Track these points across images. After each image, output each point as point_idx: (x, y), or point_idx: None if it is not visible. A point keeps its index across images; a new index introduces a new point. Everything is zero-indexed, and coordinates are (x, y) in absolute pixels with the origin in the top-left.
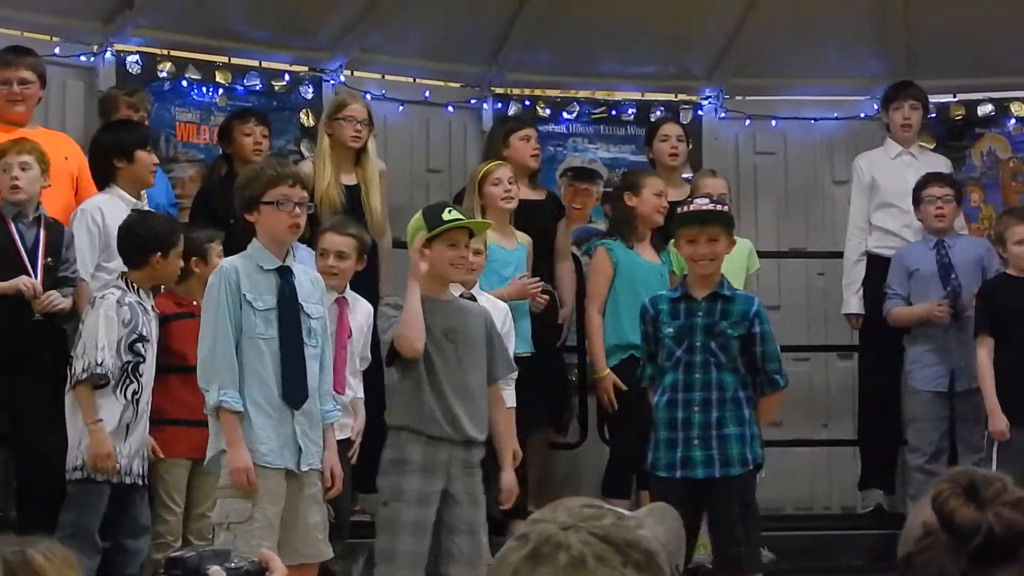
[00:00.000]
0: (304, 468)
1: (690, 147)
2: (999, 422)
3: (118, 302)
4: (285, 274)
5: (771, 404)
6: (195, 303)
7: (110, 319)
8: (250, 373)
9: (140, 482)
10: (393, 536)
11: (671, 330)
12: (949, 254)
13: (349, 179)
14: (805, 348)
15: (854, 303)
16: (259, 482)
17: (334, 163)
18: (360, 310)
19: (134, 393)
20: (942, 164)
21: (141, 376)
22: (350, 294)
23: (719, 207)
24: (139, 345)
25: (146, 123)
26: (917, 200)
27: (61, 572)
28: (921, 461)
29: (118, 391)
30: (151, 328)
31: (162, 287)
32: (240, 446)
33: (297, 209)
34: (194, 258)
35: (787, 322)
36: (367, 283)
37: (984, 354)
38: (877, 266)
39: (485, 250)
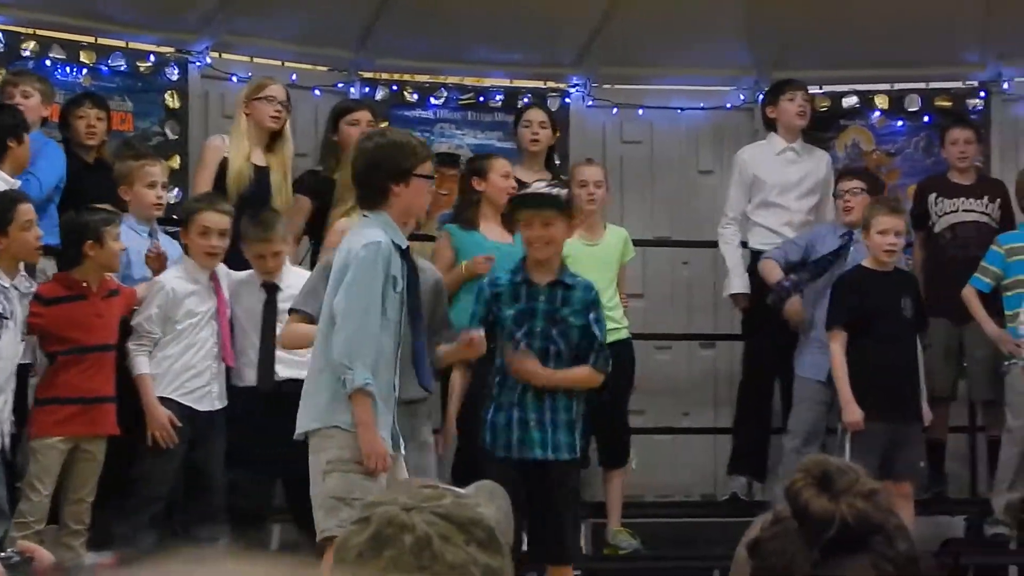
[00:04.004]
0: (397, 452)
1: (557, 134)
2: (853, 413)
3: None
4: (407, 254)
5: (584, 376)
6: (85, 285)
7: None
8: (379, 355)
9: None
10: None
11: (511, 312)
12: (852, 246)
13: (259, 161)
14: (668, 336)
15: (738, 283)
16: None
17: (249, 144)
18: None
19: None
20: (824, 161)
21: None
22: (219, 267)
23: (557, 191)
24: None
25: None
26: (835, 194)
27: None
28: (796, 443)
29: None
30: (9, 307)
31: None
32: (375, 429)
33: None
34: (89, 241)
35: (651, 311)
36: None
37: (837, 347)
38: (756, 261)
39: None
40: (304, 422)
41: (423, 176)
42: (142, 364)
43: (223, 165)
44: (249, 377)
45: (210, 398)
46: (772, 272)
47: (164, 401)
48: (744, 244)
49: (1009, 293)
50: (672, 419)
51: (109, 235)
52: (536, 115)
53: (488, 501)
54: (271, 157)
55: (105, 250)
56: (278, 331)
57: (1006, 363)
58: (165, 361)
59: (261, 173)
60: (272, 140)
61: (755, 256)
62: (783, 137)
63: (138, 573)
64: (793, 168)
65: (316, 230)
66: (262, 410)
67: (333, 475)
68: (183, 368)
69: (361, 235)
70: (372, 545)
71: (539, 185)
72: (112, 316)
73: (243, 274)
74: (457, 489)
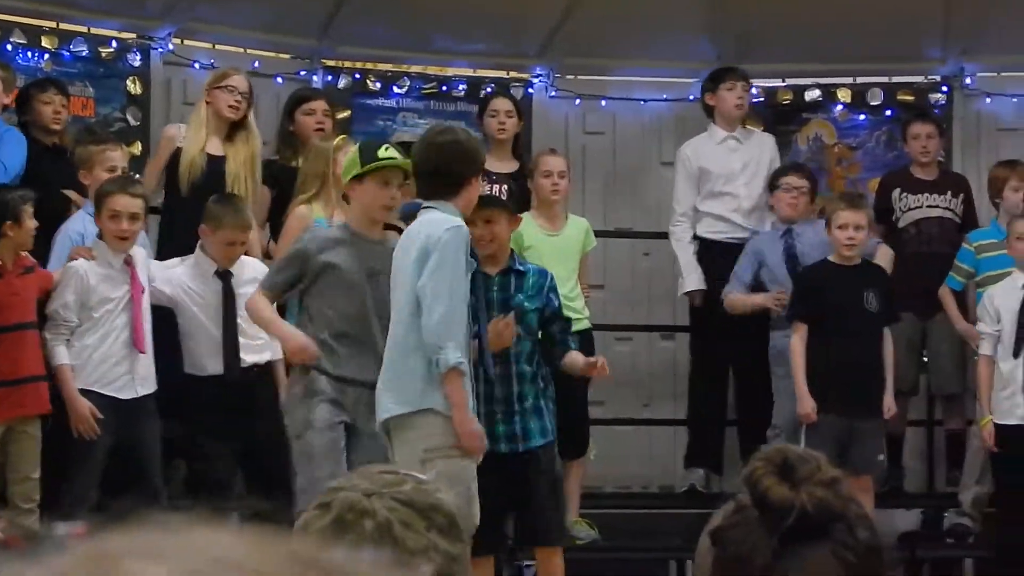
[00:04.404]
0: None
1: (522, 123)
2: (806, 405)
3: None
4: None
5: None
6: (1, 264)
7: None
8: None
9: None
10: (310, 466)
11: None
12: (796, 243)
13: (217, 149)
14: (629, 328)
15: (693, 279)
16: None
17: (207, 133)
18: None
19: None
20: (768, 144)
21: None
22: (135, 251)
23: (498, 188)
24: None
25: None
26: (773, 186)
27: None
28: (779, 438)
29: None
30: None
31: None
32: (469, 410)
33: None
34: (8, 222)
35: (611, 302)
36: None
37: (797, 339)
38: (707, 250)
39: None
40: (392, 407)
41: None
42: (61, 354)
43: (178, 154)
44: (209, 367)
45: (132, 385)
46: (747, 299)
47: (85, 393)
48: (695, 235)
49: (981, 289)
50: (632, 410)
51: (26, 214)
52: (502, 104)
53: (449, 487)
54: (229, 147)
55: (23, 229)
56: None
57: (976, 358)
58: (84, 351)
59: (216, 163)
60: (232, 130)
61: (704, 245)
62: (722, 126)
63: (108, 541)
64: (736, 155)
65: (275, 219)
66: (225, 399)
67: (437, 463)
68: (102, 359)
69: (437, 221)
70: (333, 530)
71: (503, 186)
72: (29, 294)
73: (186, 261)
74: (418, 475)
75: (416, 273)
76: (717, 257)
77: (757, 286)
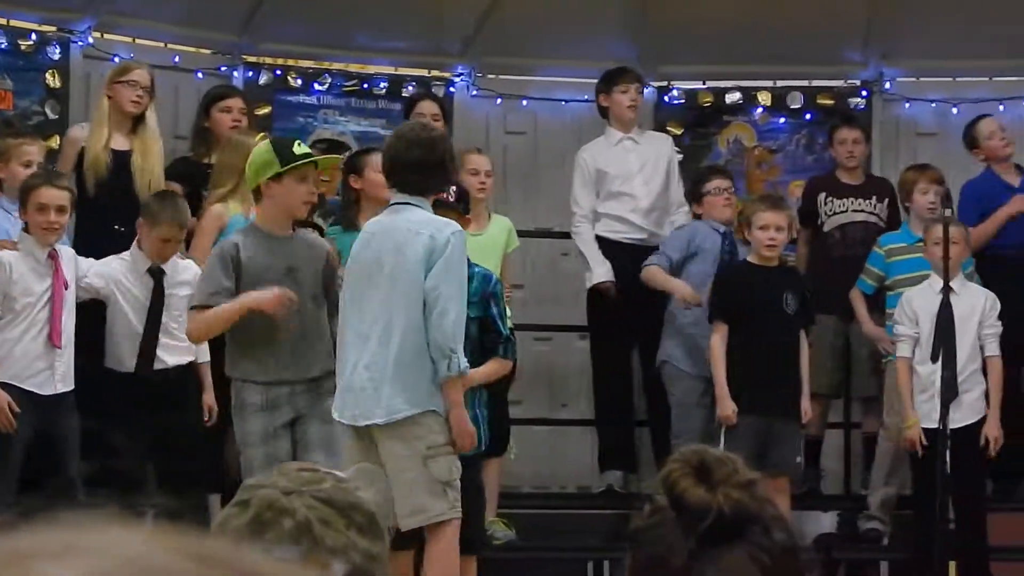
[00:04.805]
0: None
1: (446, 127)
2: (726, 407)
3: None
4: None
5: (496, 368)
6: None
7: None
8: None
9: None
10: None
11: None
12: (735, 249)
13: (121, 145)
14: (547, 328)
15: (601, 271)
16: None
17: (110, 128)
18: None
19: None
20: (666, 144)
21: None
22: (60, 247)
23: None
24: None
25: None
26: (698, 194)
27: None
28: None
29: None
30: None
31: None
32: (464, 410)
33: None
34: None
35: (530, 301)
36: None
37: (717, 340)
38: (609, 250)
39: None
40: (403, 408)
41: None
42: None
43: (84, 153)
44: (126, 362)
45: (52, 381)
46: (666, 281)
47: (5, 387)
48: (596, 236)
49: (891, 293)
50: (550, 410)
51: None
52: (429, 107)
53: (368, 485)
54: (135, 141)
55: None
56: (164, 318)
57: (884, 360)
58: (4, 344)
59: (122, 158)
60: (136, 124)
61: (602, 245)
62: (618, 128)
63: (17, 540)
64: (633, 155)
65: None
66: (137, 395)
67: (437, 460)
68: (22, 353)
69: (436, 222)
70: (251, 528)
71: None
72: None
73: (123, 256)
74: (337, 472)
75: (421, 273)
76: (616, 257)
77: (675, 272)
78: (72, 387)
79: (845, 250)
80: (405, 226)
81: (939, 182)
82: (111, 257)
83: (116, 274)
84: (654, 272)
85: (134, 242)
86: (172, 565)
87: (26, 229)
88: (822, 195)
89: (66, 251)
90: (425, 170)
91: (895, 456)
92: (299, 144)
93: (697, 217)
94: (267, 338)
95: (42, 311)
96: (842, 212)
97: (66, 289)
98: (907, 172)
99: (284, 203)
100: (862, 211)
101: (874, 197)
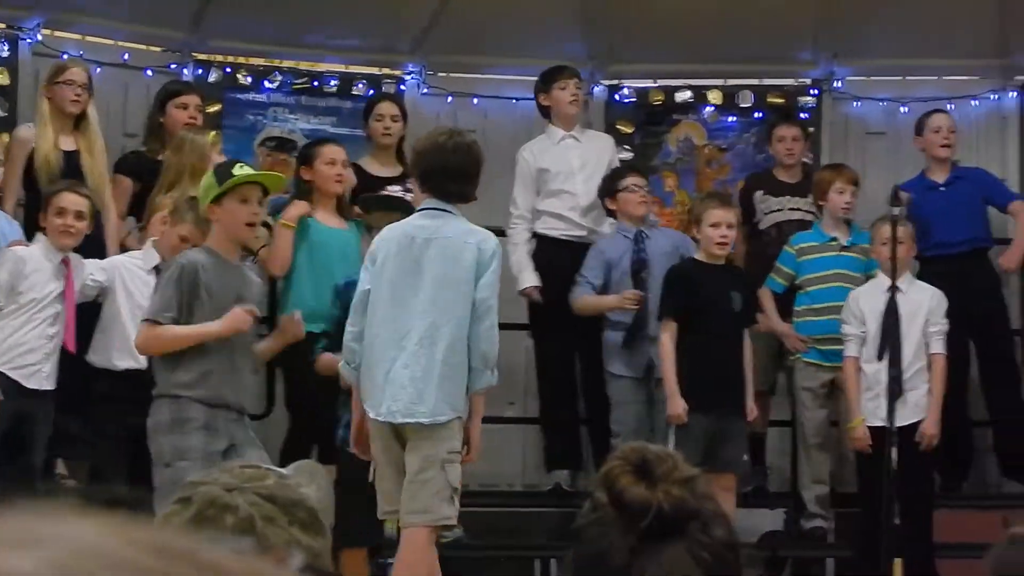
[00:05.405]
0: None
1: (406, 127)
2: (676, 405)
3: None
4: None
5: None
6: None
7: None
8: None
9: None
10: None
11: None
12: (646, 245)
13: (68, 144)
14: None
15: (530, 277)
16: None
17: (54, 128)
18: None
19: None
20: (607, 144)
21: None
22: (73, 255)
23: (405, 195)
24: None
25: None
26: (613, 190)
27: None
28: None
29: None
30: None
31: None
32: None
33: None
34: None
35: None
36: (97, 248)
37: (667, 338)
38: (549, 247)
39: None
40: (445, 411)
41: None
42: None
43: (33, 155)
44: (121, 361)
45: (39, 377)
46: (599, 301)
47: None
48: (533, 234)
49: (801, 292)
50: (497, 408)
51: None
52: (389, 108)
53: (309, 481)
54: (79, 140)
55: None
56: None
57: (791, 358)
58: (2, 331)
59: (71, 157)
60: (78, 123)
61: (542, 242)
62: (559, 126)
63: None
64: (574, 153)
65: (138, 210)
66: (129, 393)
67: (454, 465)
68: (16, 343)
69: (479, 232)
70: (194, 525)
71: (393, 189)
72: None
73: (123, 258)
74: (279, 470)
75: (472, 281)
76: (555, 254)
77: (602, 288)
78: (54, 387)
79: (780, 248)
80: (453, 235)
81: (855, 183)
82: (119, 256)
83: (124, 263)
84: (584, 300)
85: (148, 241)
86: (130, 556)
87: (42, 231)
88: (758, 193)
89: (78, 261)
90: (463, 178)
91: (817, 451)
92: (241, 166)
93: (610, 213)
94: (219, 360)
95: (45, 310)
96: (778, 210)
97: (75, 294)
98: (823, 171)
99: (228, 226)
100: (798, 209)
101: (810, 195)
